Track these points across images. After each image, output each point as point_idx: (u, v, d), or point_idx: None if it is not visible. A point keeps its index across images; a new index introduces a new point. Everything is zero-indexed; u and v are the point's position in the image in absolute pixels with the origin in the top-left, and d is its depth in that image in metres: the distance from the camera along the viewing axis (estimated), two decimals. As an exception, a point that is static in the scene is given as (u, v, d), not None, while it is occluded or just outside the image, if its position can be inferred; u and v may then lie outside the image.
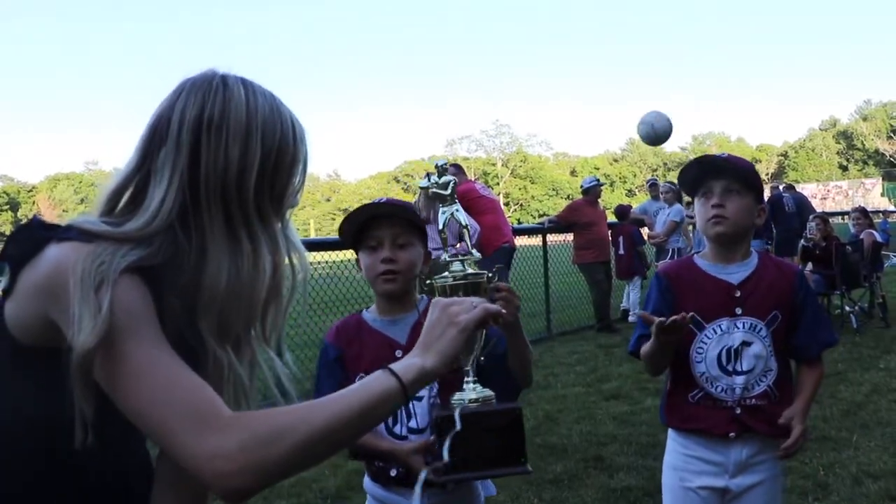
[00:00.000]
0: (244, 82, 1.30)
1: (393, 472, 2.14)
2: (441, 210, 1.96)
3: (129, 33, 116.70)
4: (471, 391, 1.82)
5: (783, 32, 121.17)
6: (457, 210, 1.95)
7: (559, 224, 10.70)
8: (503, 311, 1.44)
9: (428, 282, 1.83)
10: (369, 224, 2.18)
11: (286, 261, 1.33)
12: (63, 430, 1.15)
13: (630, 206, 12.31)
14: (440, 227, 1.94)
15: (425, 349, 1.30)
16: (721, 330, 2.42)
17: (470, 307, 1.35)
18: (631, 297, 11.14)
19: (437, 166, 1.99)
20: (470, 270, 1.80)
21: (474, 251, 1.85)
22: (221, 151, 1.24)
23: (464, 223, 1.94)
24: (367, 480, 2.27)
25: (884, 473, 4.40)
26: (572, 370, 7.82)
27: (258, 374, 1.35)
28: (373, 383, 1.22)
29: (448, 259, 1.82)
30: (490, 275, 1.83)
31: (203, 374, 1.19)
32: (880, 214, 21.42)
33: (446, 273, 1.80)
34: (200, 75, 1.30)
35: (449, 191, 1.94)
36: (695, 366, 2.44)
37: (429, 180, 1.99)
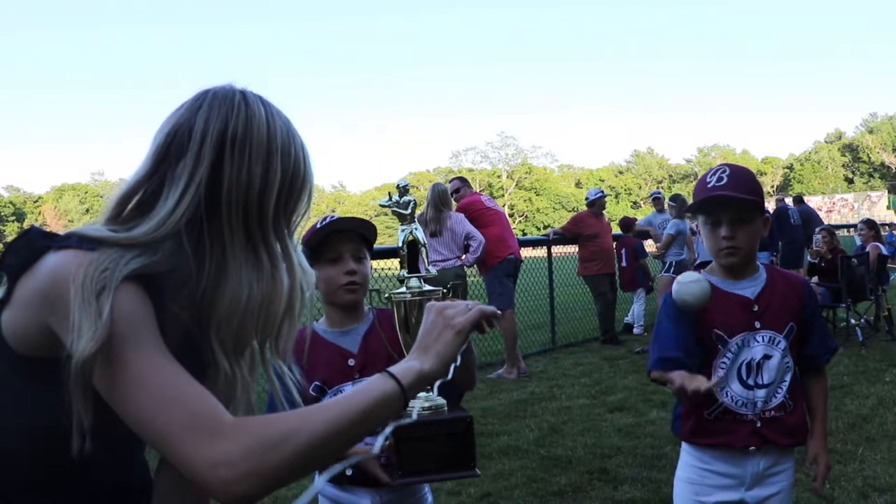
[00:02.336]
0: (263, 101, 1.32)
1: (349, 472, 2.20)
2: (400, 228, 2.02)
3: (136, 44, 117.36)
4: (423, 399, 1.88)
5: (789, 45, 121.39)
6: (415, 229, 2.02)
7: (564, 236, 10.69)
8: (498, 312, 1.45)
9: (386, 296, 1.91)
10: (327, 238, 2.28)
11: (298, 279, 1.34)
12: (62, 438, 1.15)
13: (634, 219, 12.29)
14: (399, 243, 2.01)
15: (423, 352, 1.31)
16: (740, 344, 2.41)
17: (465, 310, 1.36)
18: (635, 310, 11.14)
19: (398, 186, 2.07)
20: (426, 287, 1.88)
21: (431, 268, 1.94)
22: (245, 168, 1.25)
23: (422, 241, 2.01)
24: (318, 479, 2.31)
25: (890, 487, 4.38)
26: (577, 382, 7.81)
27: (265, 385, 1.36)
28: (372, 387, 1.23)
29: (406, 275, 1.90)
30: (445, 290, 1.89)
31: (211, 386, 1.19)
32: (886, 227, 21.35)
33: (404, 289, 1.88)
34: (220, 89, 1.31)
35: (409, 210, 2.03)
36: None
37: (390, 199, 2.06)
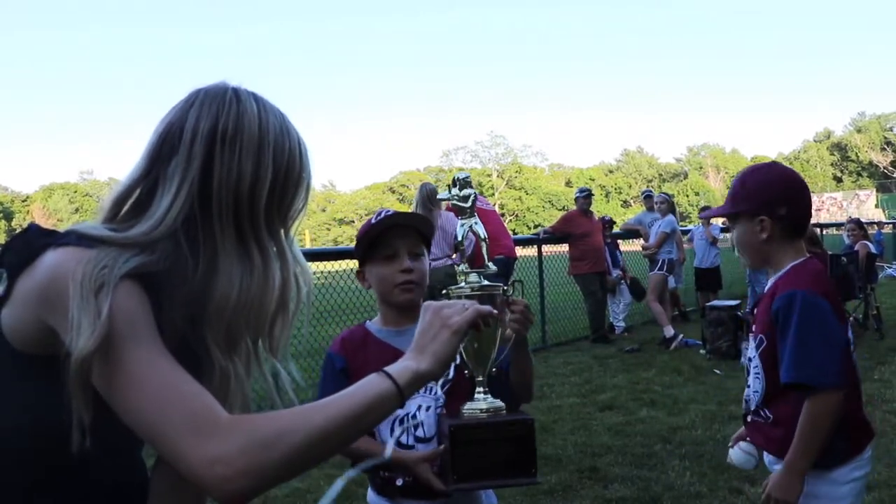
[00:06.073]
0: (255, 97, 1.31)
1: (399, 482, 2.12)
2: (459, 222, 1.97)
3: (123, 43, 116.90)
4: (482, 401, 1.85)
5: (779, 45, 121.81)
6: (475, 223, 1.96)
7: (554, 235, 10.69)
8: (494, 311, 1.44)
9: (444, 292, 1.84)
10: (383, 235, 2.19)
11: (293, 275, 1.34)
12: (62, 437, 1.15)
13: (611, 220, 12.28)
14: (459, 238, 1.96)
15: (419, 352, 1.31)
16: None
17: (462, 309, 1.36)
18: (611, 309, 11.18)
19: (456, 179, 2.01)
20: (486, 282, 1.83)
21: (490, 264, 1.87)
22: (235, 164, 1.25)
23: (482, 236, 1.96)
24: (370, 494, 2.24)
25: (878, 484, 4.41)
26: (567, 381, 7.82)
27: (260, 382, 1.36)
28: (369, 386, 1.23)
29: (465, 270, 1.84)
30: (506, 288, 1.84)
31: (207, 384, 1.19)
32: (874, 226, 21.46)
33: (463, 283, 1.83)
34: (213, 87, 1.31)
35: (469, 203, 1.96)
36: None
37: (449, 192, 2.00)
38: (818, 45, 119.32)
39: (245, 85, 1.33)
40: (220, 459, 1.08)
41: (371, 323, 2.30)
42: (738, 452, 2.50)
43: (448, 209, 8.01)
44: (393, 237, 2.17)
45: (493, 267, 1.87)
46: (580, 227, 10.26)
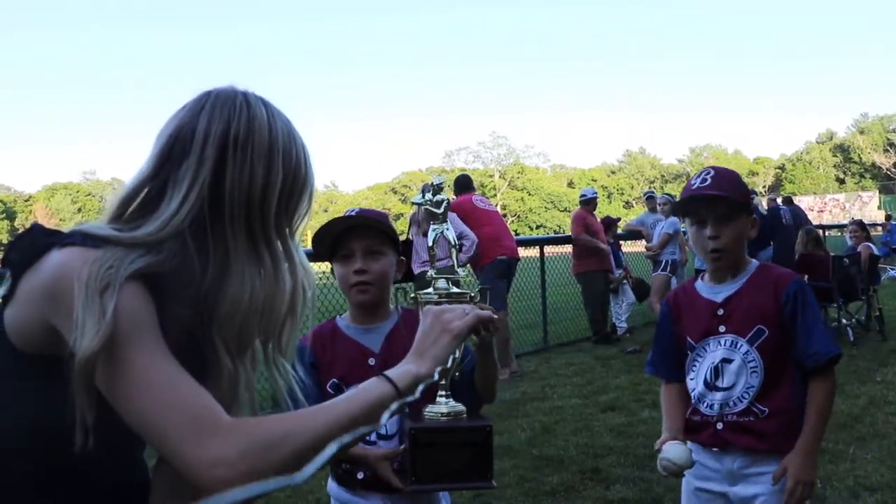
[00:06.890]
0: (264, 102, 1.33)
1: (360, 475, 2.19)
2: (431, 227, 1.99)
3: (123, 43, 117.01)
4: (443, 405, 1.88)
5: (781, 46, 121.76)
6: (447, 228, 1.98)
7: (579, 238, 10.37)
8: (495, 316, 1.46)
9: (412, 296, 1.88)
10: (343, 236, 2.22)
11: (301, 278, 1.35)
12: (63, 438, 1.15)
13: (614, 219, 12.18)
14: (430, 243, 1.98)
15: (419, 356, 1.33)
16: (708, 349, 2.46)
17: (462, 314, 1.38)
18: (613, 309, 11.15)
19: (432, 184, 2.03)
20: (454, 289, 1.85)
21: (460, 270, 1.90)
22: (247, 168, 1.26)
23: (452, 242, 1.97)
24: (331, 483, 2.30)
25: (881, 486, 4.40)
26: (569, 381, 7.82)
27: (265, 384, 1.37)
28: (370, 389, 1.25)
29: (434, 276, 1.87)
30: (472, 294, 1.86)
31: (214, 386, 1.20)
32: (878, 227, 21.44)
33: (430, 290, 1.85)
34: (223, 90, 1.32)
35: (441, 209, 1.99)
36: (689, 383, 2.51)
37: (423, 197, 2.02)
38: (820, 46, 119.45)
39: (248, 86, 1.35)
40: (221, 461, 1.09)
41: (341, 318, 2.35)
42: (684, 449, 2.33)
43: (451, 210, 8.00)
44: (350, 237, 2.21)
45: (461, 273, 1.89)
46: (592, 226, 10.23)
